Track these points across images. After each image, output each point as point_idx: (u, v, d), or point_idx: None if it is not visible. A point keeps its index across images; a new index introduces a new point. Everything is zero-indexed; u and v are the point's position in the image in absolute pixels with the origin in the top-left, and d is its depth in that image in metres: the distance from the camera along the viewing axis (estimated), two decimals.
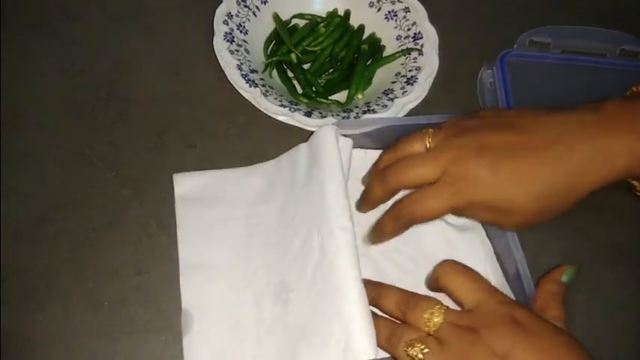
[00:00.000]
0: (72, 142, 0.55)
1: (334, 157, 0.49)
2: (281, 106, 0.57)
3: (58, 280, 0.49)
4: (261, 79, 0.60)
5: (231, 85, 0.58)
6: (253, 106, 0.57)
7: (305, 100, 0.60)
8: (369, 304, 0.43)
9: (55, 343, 0.46)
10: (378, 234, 0.48)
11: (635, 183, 0.49)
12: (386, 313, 0.43)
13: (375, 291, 0.44)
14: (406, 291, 0.43)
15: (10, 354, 0.46)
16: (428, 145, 0.46)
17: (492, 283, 0.50)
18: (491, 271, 0.51)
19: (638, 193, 0.49)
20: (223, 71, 0.58)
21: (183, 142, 0.57)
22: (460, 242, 0.53)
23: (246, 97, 0.58)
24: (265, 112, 0.57)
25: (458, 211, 0.46)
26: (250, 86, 0.57)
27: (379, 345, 0.42)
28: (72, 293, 0.48)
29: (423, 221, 0.45)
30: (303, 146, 0.53)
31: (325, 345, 0.43)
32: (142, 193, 0.53)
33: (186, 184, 0.53)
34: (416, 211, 0.44)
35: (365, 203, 0.50)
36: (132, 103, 0.58)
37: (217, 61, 0.59)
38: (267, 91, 0.58)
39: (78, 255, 0.50)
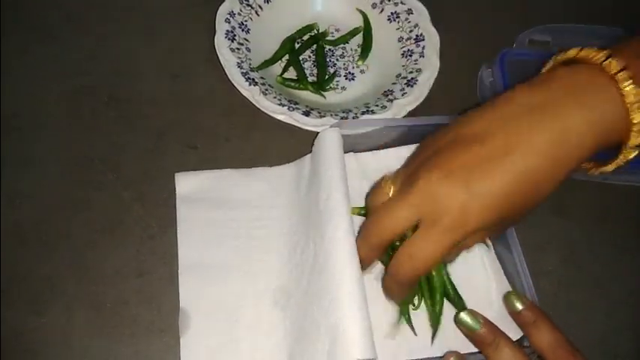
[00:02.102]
0: (73, 144, 0.56)
1: (333, 161, 0.49)
2: (280, 104, 0.57)
3: (61, 282, 0.49)
4: (261, 77, 0.60)
5: (232, 85, 0.58)
6: (254, 106, 0.58)
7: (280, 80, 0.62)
8: (523, 326, 0.43)
9: (58, 344, 0.47)
10: (391, 298, 0.47)
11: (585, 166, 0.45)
12: (533, 344, 0.43)
13: (534, 316, 0.43)
14: (565, 337, 0.42)
15: (13, 356, 0.46)
16: (391, 191, 0.43)
17: (493, 284, 0.51)
18: (491, 272, 0.51)
19: (589, 172, 0.45)
20: (223, 72, 0.58)
21: (184, 143, 0.57)
22: None
23: (246, 96, 0.58)
24: (264, 110, 0.57)
25: (456, 247, 0.41)
26: (250, 84, 0.57)
27: None
28: (74, 295, 0.48)
29: (426, 272, 0.43)
30: (307, 157, 0.53)
31: (315, 349, 0.43)
32: (143, 195, 0.54)
33: (187, 184, 0.54)
34: (414, 267, 0.40)
35: (363, 267, 0.46)
36: (132, 105, 0.58)
37: (218, 62, 0.59)
38: (266, 89, 0.58)
39: (80, 257, 0.50)
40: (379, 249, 0.43)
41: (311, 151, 0.53)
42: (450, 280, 0.50)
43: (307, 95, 0.62)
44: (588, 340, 0.50)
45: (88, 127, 0.57)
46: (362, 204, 0.53)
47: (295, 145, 0.57)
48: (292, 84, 0.62)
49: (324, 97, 0.62)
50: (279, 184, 0.54)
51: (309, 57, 0.65)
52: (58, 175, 0.54)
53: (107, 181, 0.54)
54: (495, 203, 0.39)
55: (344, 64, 0.65)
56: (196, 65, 0.62)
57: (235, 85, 0.58)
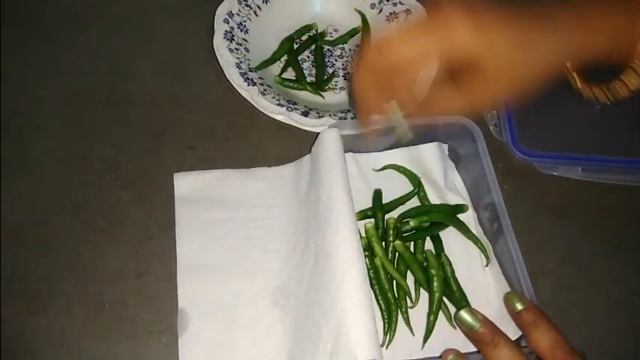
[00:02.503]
0: (72, 144, 0.56)
1: (333, 162, 0.49)
2: (278, 105, 0.57)
3: (59, 283, 0.49)
4: (260, 77, 0.60)
5: (230, 86, 0.58)
6: (252, 106, 0.58)
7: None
8: (523, 326, 0.43)
9: (57, 345, 0.47)
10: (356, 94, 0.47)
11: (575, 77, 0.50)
12: (532, 344, 0.42)
13: (534, 316, 0.43)
14: (564, 337, 0.42)
15: (12, 356, 0.46)
16: None
17: (492, 284, 0.51)
18: (490, 272, 0.51)
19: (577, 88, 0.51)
20: (222, 72, 0.58)
21: (182, 143, 0.57)
22: (459, 244, 0.53)
23: (244, 96, 0.58)
24: (263, 110, 0.57)
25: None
26: (248, 85, 0.57)
27: None
28: (73, 296, 0.48)
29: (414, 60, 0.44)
30: (306, 157, 0.53)
31: (316, 349, 0.43)
32: (141, 195, 0.54)
33: (186, 184, 0.54)
34: (403, 51, 0.43)
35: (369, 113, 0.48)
36: (131, 105, 0.58)
37: (216, 62, 0.59)
38: (265, 89, 0.58)
39: (78, 258, 0.50)
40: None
41: (310, 151, 0.53)
42: (454, 277, 0.50)
43: (306, 95, 0.62)
44: (588, 340, 0.50)
45: (87, 128, 0.57)
46: (361, 204, 0.53)
47: (294, 145, 0.57)
48: (291, 84, 0.62)
49: (323, 97, 0.62)
50: (277, 184, 0.54)
51: (308, 57, 0.65)
52: (57, 176, 0.54)
53: (106, 182, 0.54)
54: (492, 41, 0.43)
55: (342, 65, 0.65)
56: (195, 65, 0.62)
57: (234, 85, 0.58)
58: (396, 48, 0.44)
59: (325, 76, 0.63)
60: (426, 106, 0.48)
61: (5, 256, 0.50)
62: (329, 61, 0.65)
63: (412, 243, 0.53)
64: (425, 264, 0.50)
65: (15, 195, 0.52)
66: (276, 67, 0.63)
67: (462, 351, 0.44)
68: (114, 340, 0.47)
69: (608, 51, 0.45)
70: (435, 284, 0.49)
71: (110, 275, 0.50)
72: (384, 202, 0.54)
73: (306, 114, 0.57)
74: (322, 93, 0.62)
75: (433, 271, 0.49)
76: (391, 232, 0.51)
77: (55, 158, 0.55)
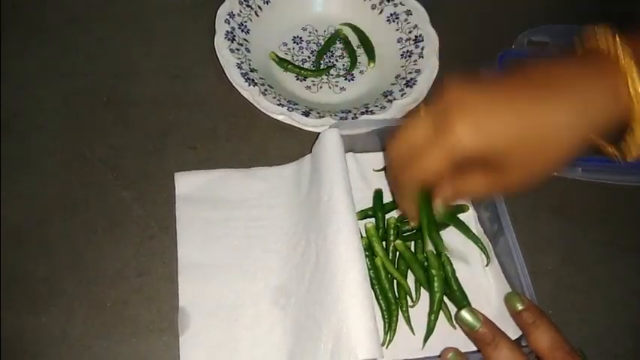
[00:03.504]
0: (73, 145, 0.56)
1: (334, 162, 0.49)
2: (279, 105, 0.57)
3: (60, 282, 0.49)
4: (261, 78, 0.60)
5: (231, 86, 0.58)
6: (253, 107, 0.58)
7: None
8: (523, 326, 0.43)
9: (58, 344, 0.47)
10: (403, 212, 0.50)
11: (607, 147, 0.42)
12: (532, 344, 0.42)
13: (534, 316, 0.43)
14: (563, 337, 0.42)
15: (13, 356, 0.46)
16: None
17: (492, 284, 0.51)
18: (490, 272, 0.52)
19: (613, 157, 0.42)
20: (223, 72, 0.58)
21: (183, 143, 0.57)
22: (459, 244, 0.53)
23: (245, 96, 0.58)
24: (264, 111, 0.57)
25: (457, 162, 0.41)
26: (249, 85, 0.57)
27: None
28: (74, 295, 0.49)
29: (427, 180, 0.42)
30: (307, 157, 0.53)
31: (316, 348, 0.43)
32: (142, 195, 0.54)
33: (187, 184, 0.54)
34: (414, 174, 0.42)
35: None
36: (132, 106, 0.58)
37: (217, 63, 0.59)
38: (265, 90, 0.58)
39: (80, 257, 0.50)
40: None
41: (310, 151, 0.53)
42: (455, 277, 0.50)
43: (307, 96, 0.62)
44: (588, 340, 0.50)
45: (87, 128, 0.57)
46: (361, 204, 0.53)
47: (295, 145, 0.57)
48: (285, 64, 0.63)
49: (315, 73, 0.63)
50: (278, 183, 0.54)
51: (309, 58, 0.65)
52: (58, 176, 0.54)
53: (107, 182, 0.54)
54: (496, 137, 0.39)
55: (343, 65, 0.65)
56: (196, 66, 0.62)
57: (235, 85, 0.58)
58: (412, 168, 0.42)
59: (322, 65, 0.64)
60: (458, 191, 0.46)
61: (5, 256, 0.50)
62: (330, 61, 0.65)
63: (413, 243, 0.53)
64: (425, 264, 0.51)
65: (15, 195, 0.53)
66: (276, 68, 0.64)
67: (463, 350, 0.44)
68: (115, 339, 0.47)
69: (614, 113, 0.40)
70: (436, 284, 0.49)
71: (111, 275, 0.50)
72: (384, 201, 0.54)
73: (306, 114, 0.57)
74: (320, 93, 0.62)
75: (434, 271, 0.49)
76: (392, 231, 0.51)
77: (56, 159, 0.55)
